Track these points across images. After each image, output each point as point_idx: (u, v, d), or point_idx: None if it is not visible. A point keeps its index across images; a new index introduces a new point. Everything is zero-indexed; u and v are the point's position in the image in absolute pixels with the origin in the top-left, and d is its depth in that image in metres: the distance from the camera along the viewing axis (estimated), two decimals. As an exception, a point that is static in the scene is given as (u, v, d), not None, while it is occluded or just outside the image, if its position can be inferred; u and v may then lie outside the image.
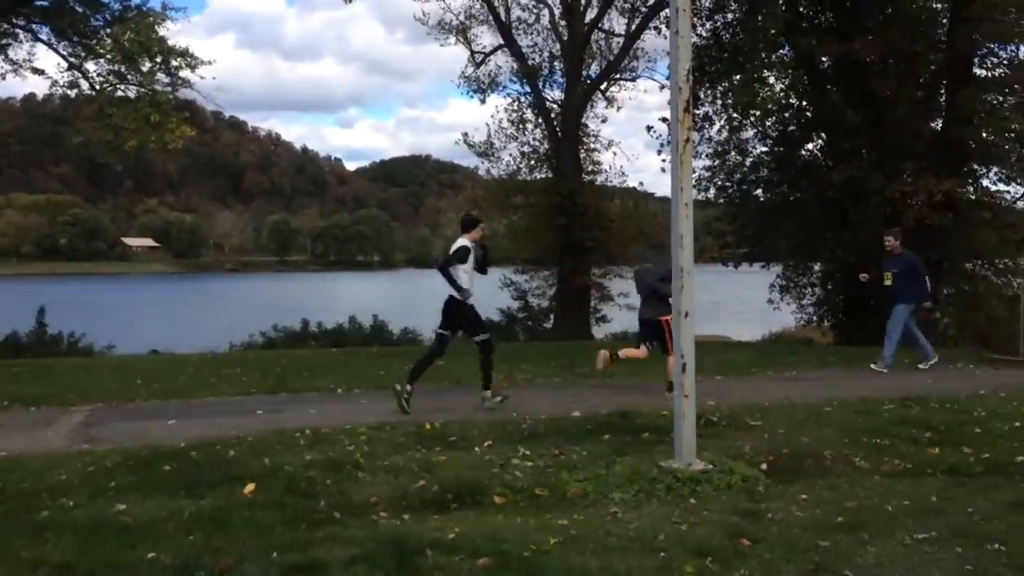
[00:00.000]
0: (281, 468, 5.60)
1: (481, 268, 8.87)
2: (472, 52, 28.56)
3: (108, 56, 17.74)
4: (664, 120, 23.16)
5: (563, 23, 26.45)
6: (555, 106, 27.26)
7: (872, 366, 11.23)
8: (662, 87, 25.80)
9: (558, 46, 27.24)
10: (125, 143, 17.89)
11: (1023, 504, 4.80)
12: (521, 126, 27.68)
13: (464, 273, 8.54)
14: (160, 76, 17.79)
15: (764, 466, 5.95)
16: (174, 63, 17.81)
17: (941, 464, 5.84)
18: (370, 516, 4.74)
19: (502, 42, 27.11)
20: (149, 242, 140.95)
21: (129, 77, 18.02)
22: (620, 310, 27.43)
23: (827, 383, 10.11)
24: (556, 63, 27.82)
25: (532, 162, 27.80)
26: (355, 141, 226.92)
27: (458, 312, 8.56)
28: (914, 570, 3.86)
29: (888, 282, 11.53)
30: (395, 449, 6.25)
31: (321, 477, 5.42)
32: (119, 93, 18.22)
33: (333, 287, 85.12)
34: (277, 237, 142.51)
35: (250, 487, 5.13)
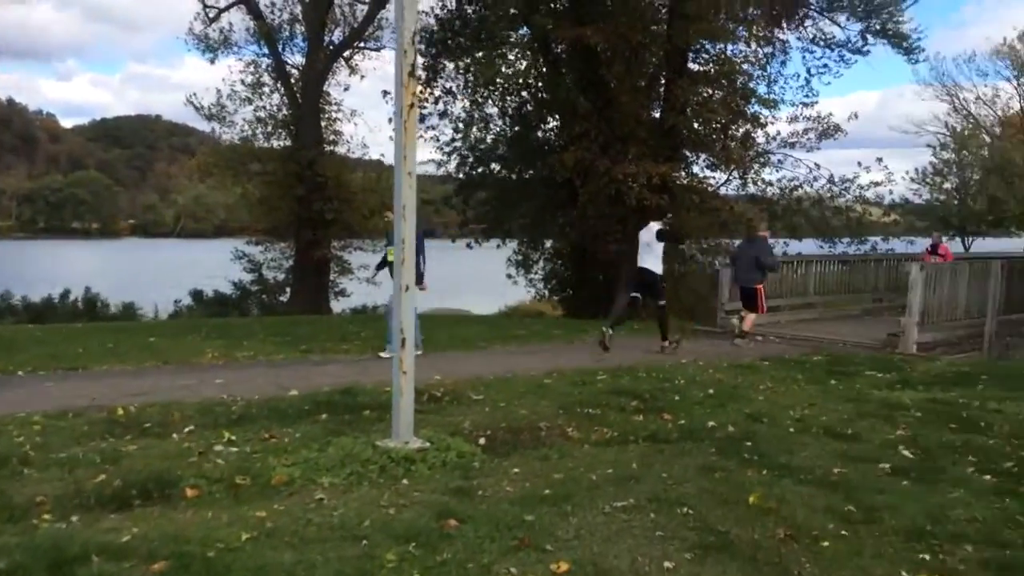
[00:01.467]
0: (-77, 469, 4.70)
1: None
2: (205, 5, 26.65)
3: None
4: (385, 93, 22.87)
5: (305, -18, 25.37)
6: (295, 71, 26.20)
7: (381, 355, 9.91)
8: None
9: (300, 8, 26.11)
10: None
11: (710, 468, 5.14)
12: (258, 90, 26.31)
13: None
14: None
15: (482, 441, 5.92)
16: None
17: (644, 431, 6.14)
18: (31, 520, 4.07)
19: (238, -1, 25.56)
20: None
21: None
22: (360, 283, 27.02)
23: (550, 355, 10.46)
24: (298, 26, 26.70)
25: (269, 128, 26.54)
26: (73, 95, 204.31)
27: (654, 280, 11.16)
28: (611, 539, 3.95)
29: (390, 258, 10.38)
30: (76, 440, 5.50)
31: (-25, 476, 4.62)
32: None
33: (43, 257, 76.30)
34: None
35: None
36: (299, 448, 5.43)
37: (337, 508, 4.30)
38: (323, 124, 26.32)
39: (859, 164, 23.49)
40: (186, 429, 5.97)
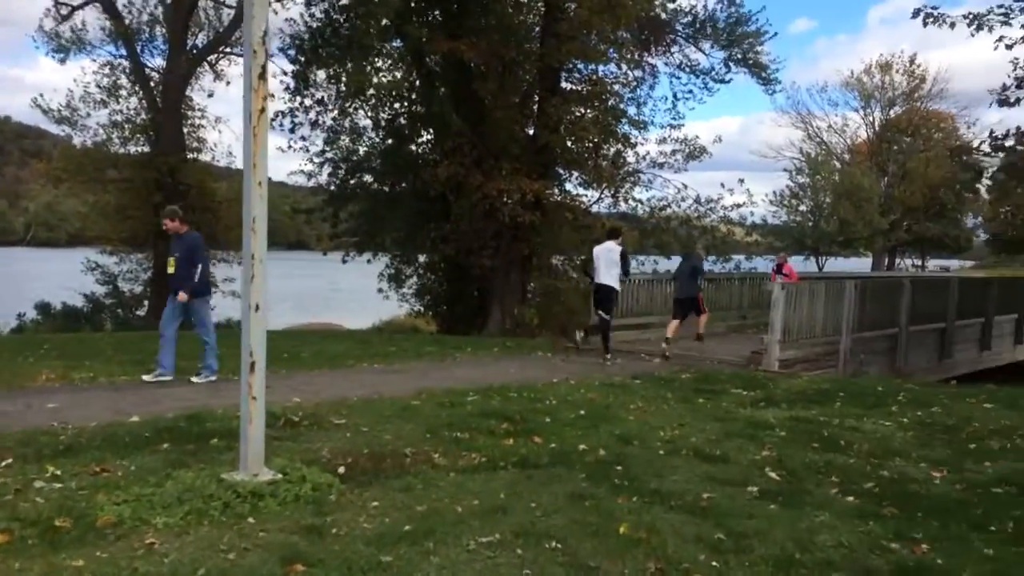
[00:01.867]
0: None
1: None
2: (57, 2, 24.97)
3: None
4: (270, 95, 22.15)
5: (166, -16, 24.20)
6: (156, 74, 24.93)
7: (145, 377, 9.16)
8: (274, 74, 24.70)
9: (161, 9, 24.86)
10: None
11: (581, 496, 4.94)
12: (114, 93, 24.86)
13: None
14: None
15: (341, 470, 5.52)
16: None
17: (513, 456, 5.90)
18: None
19: (94, -5, 24.10)
20: None
21: None
22: (224, 297, 25.83)
23: (420, 374, 10.12)
24: (158, 28, 25.44)
25: (127, 133, 25.14)
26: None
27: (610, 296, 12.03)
28: (475, 579, 3.67)
29: (171, 269, 9.37)
30: None
31: None
32: None
33: None
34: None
35: None
36: (133, 483, 4.89)
37: (169, 554, 3.83)
38: (185, 130, 25.17)
39: (722, 186, 24.53)
40: (4, 462, 5.29)
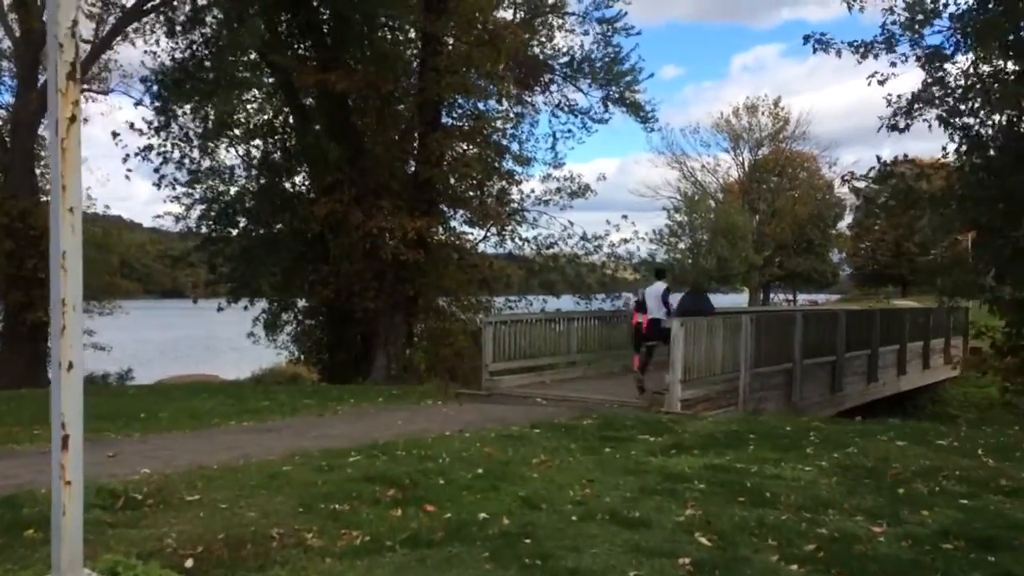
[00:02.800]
0: None
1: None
2: None
3: None
4: (132, 125, 20.60)
5: (14, 16, 22.29)
6: (3, 112, 22.96)
7: None
8: (137, 103, 23.15)
9: (8, 43, 22.97)
10: None
11: (486, 585, 4.08)
12: (-43, 130, 22.71)
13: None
14: None
15: (190, 563, 4.47)
16: None
17: (402, 532, 4.97)
18: None
19: (-71, 27, 22.01)
20: None
21: None
22: (87, 350, 23.69)
23: (295, 432, 9.02)
24: (5, 62, 23.53)
25: (-30, 176, 22.93)
26: None
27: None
28: None
29: None
30: None
31: None
32: None
33: None
34: None
35: None
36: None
37: None
38: (39, 171, 23.16)
39: (608, 222, 24.29)
40: None
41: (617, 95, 24.10)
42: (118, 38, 22.94)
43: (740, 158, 64.93)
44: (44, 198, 23.08)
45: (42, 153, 23.56)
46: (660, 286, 13.13)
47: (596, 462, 7.21)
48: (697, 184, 63.64)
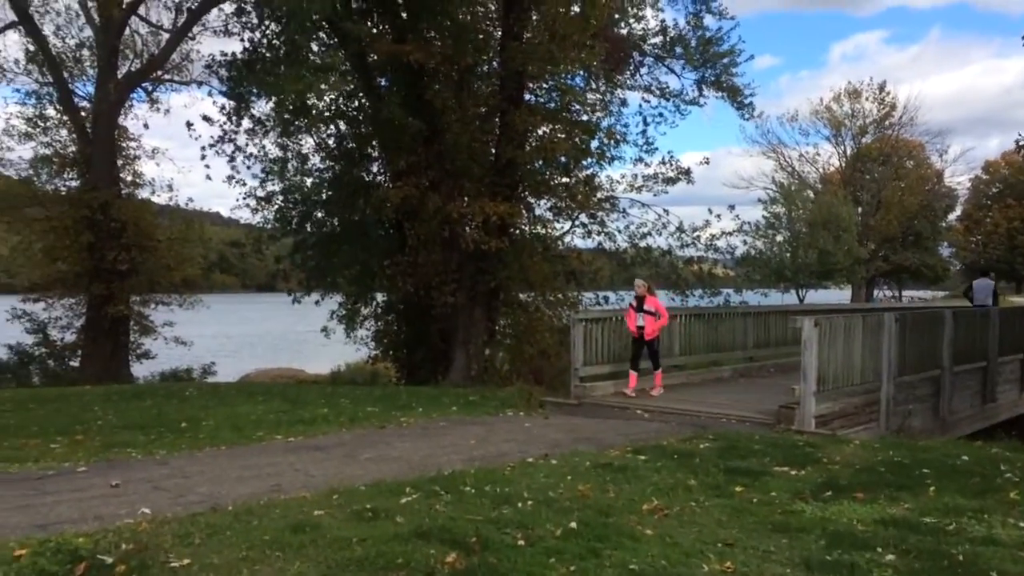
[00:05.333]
0: None
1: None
2: (-28, 26, 22.46)
3: None
4: (206, 118, 19.80)
5: (93, 4, 21.72)
6: (86, 103, 22.42)
7: None
8: (206, 89, 22.41)
9: (90, 32, 22.44)
10: None
11: None
12: (41, 123, 22.28)
13: None
14: None
15: None
16: None
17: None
18: None
19: (15, 18, 21.58)
20: None
21: None
22: (166, 344, 23.13)
23: (347, 452, 7.47)
24: (86, 52, 23.02)
25: (55, 167, 22.51)
26: None
27: None
28: None
29: None
30: None
31: None
32: None
33: None
34: None
35: None
36: None
37: None
38: (119, 163, 22.63)
39: (710, 211, 22.14)
40: None
41: (713, 78, 22.15)
42: (198, 27, 22.16)
43: (842, 147, 61.16)
44: (124, 190, 22.57)
45: (123, 144, 23.07)
46: (989, 282, 16.11)
47: (728, 510, 5.38)
48: (794, 174, 60.30)
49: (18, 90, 22.81)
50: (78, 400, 12.05)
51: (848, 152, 61.86)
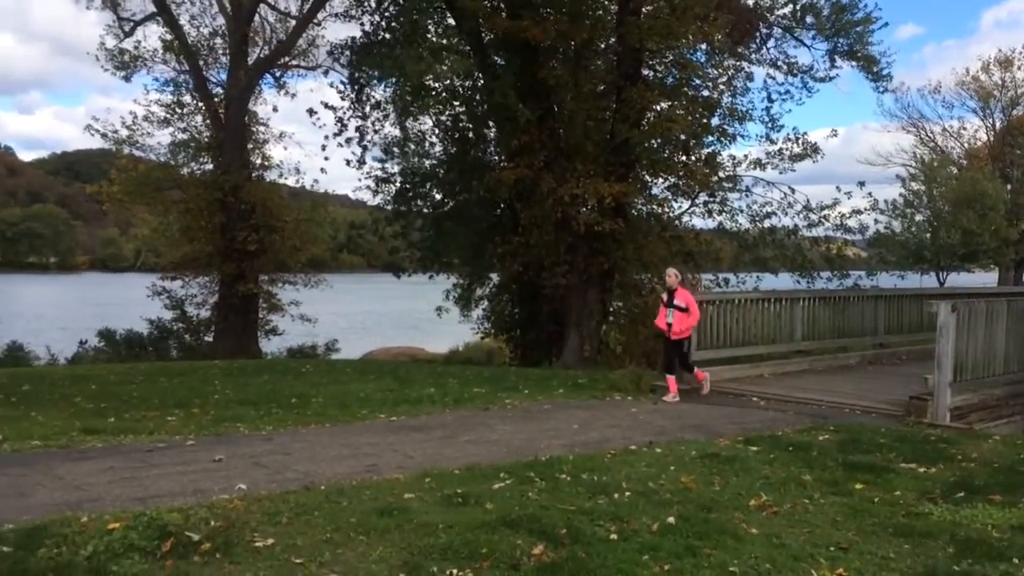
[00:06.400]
0: None
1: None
2: (119, 18, 23.80)
3: None
4: (327, 105, 20.29)
5: (227, -8, 22.64)
6: (219, 90, 23.39)
7: None
8: (326, 72, 22.92)
9: (222, 20, 23.37)
10: None
11: None
12: (178, 110, 23.44)
13: None
14: None
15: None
16: None
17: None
18: None
19: (155, 9, 22.72)
20: None
21: None
22: (292, 321, 23.97)
23: (447, 433, 7.38)
24: (219, 39, 23.99)
25: (191, 152, 23.68)
26: (35, 129, 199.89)
27: None
28: None
29: None
30: None
31: None
32: None
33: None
34: None
35: None
36: None
37: None
38: (249, 147, 23.54)
39: (838, 189, 20.80)
40: None
41: (846, 48, 20.76)
42: (322, 13, 22.72)
43: (990, 120, 56.92)
44: (254, 173, 23.47)
45: (252, 129, 23.96)
46: None
47: (845, 510, 4.94)
48: (936, 150, 56.59)
49: (157, 79, 23.73)
50: (203, 374, 12.55)
51: (997, 125, 57.53)
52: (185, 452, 6.36)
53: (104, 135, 23.31)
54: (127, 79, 23.97)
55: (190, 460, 6.03)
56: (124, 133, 23.02)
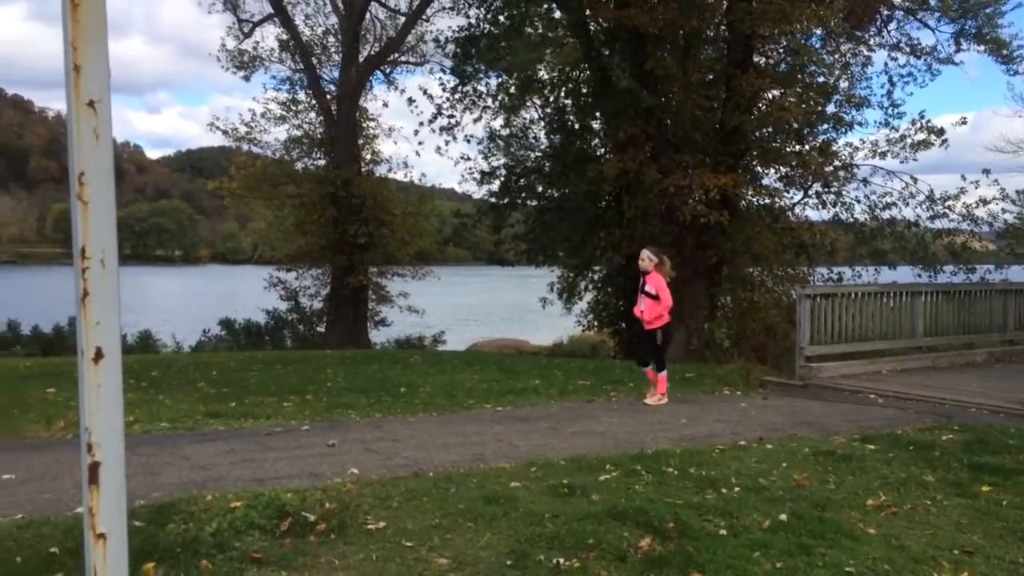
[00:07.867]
0: None
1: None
2: (239, 20, 24.93)
3: None
4: (425, 92, 20.70)
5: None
6: (332, 87, 24.22)
7: None
8: (425, 65, 23.43)
9: (334, 19, 24.14)
10: None
11: None
12: (293, 107, 24.39)
13: None
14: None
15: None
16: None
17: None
18: None
19: (272, 11, 23.69)
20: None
21: None
22: (400, 312, 24.61)
23: (552, 424, 7.41)
24: (331, 38, 24.81)
25: (305, 147, 24.61)
26: (162, 128, 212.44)
27: None
28: None
29: None
30: None
31: None
32: None
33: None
34: (64, 227, 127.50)
35: None
36: None
37: None
38: (360, 142, 24.27)
39: (963, 178, 19.68)
40: None
41: (973, 31, 19.60)
42: (431, 9, 23.15)
43: None
44: (364, 167, 24.15)
45: (363, 124, 24.66)
46: None
47: (970, 512, 4.71)
48: (1075, 134, 52.93)
49: (274, 77, 24.79)
50: (316, 362, 13.01)
51: None
52: (300, 437, 6.61)
53: (224, 132, 24.41)
54: (246, 78, 25.07)
55: (305, 444, 6.26)
56: (243, 130, 24.06)
